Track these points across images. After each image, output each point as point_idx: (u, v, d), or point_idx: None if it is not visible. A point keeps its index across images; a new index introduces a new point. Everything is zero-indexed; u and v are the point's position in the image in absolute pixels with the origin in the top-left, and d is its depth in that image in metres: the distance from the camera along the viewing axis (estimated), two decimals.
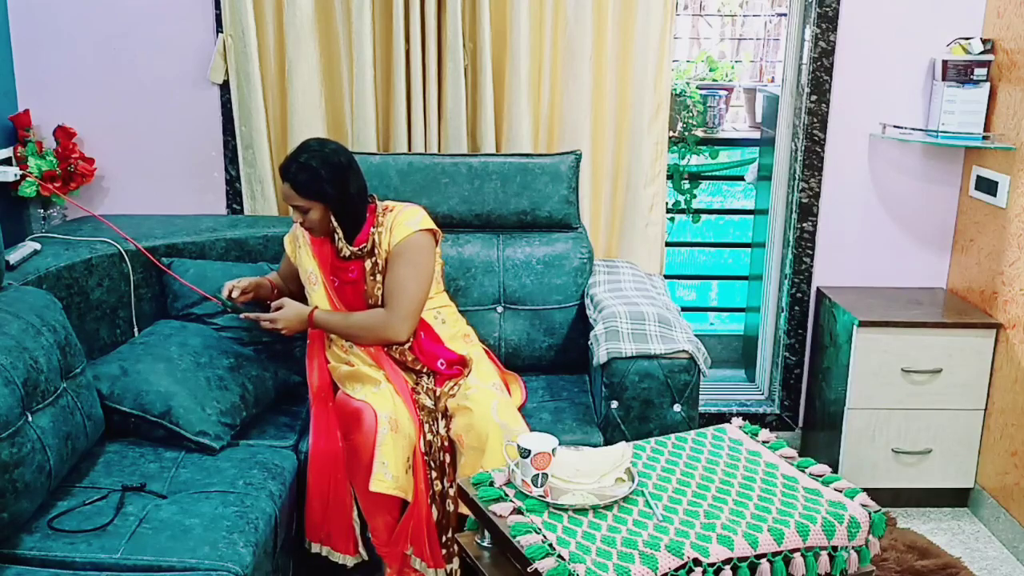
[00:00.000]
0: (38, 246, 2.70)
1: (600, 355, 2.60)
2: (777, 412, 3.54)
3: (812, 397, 3.47)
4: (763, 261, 3.57)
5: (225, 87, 3.12)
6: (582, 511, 1.94)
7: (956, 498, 3.25)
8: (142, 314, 2.84)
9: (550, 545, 1.81)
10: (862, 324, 3.05)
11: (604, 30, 3.10)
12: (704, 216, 4.16)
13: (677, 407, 2.58)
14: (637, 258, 3.29)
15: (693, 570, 1.80)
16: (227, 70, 3.08)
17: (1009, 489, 3.01)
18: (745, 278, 3.99)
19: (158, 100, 3.15)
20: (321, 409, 2.54)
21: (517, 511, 1.93)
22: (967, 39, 3.12)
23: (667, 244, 3.43)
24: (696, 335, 2.74)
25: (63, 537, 2.02)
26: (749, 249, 3.96)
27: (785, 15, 3.44)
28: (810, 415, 3.50)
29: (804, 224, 3.35)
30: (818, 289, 3.39)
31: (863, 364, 3.08)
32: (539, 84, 3.13)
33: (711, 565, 1.81)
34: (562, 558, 1.78)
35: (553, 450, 1.98)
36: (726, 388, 3.70)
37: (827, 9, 3.16)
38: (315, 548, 2.50)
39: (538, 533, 1.85)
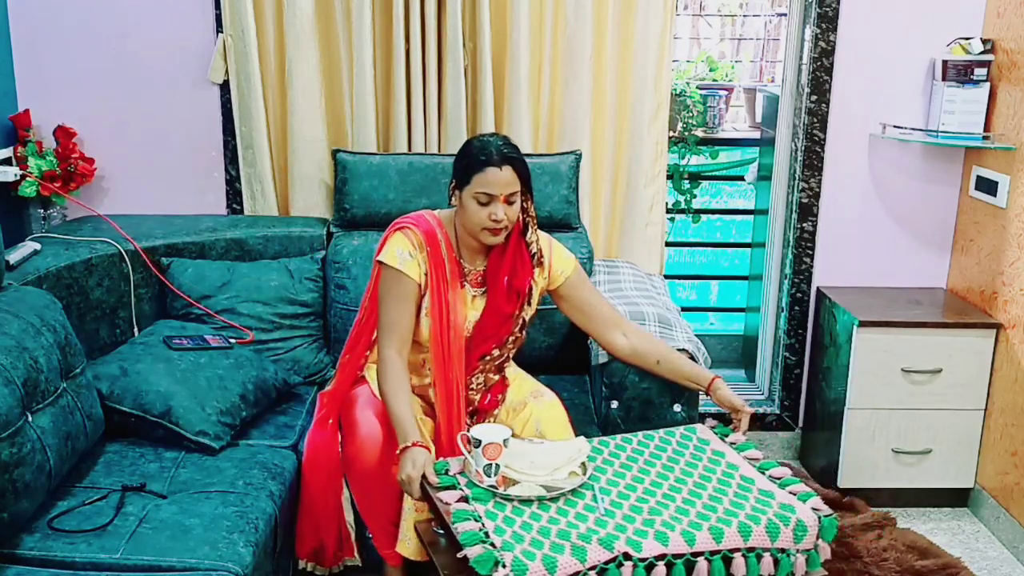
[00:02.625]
0: (38, 246, 2.70)
1: (600, 355, 2.59)
2: (777, 412, 3.54)
3: (812, 397, 3.47)
4: (763, 261, 3.57)
5: (225, 87, 3.12)
6: (527, 502, 1.95)
7: (956, 498, 3.25)
8: (142, 314, 2.84)
9: (486, 533, 1.83)
10: (862, 324, 3.05)
11: (604, 30, 3.10)
12: (704, 216, 4.15)
13: (677, 407, 2.58)
14: (637, 258, 3.29)
15: (623, 564, 1.80)
16: (227, 70, 3.08)
17: (1009, 489, 3.01)
18: (745, 278, 3.98)
19: (158, 100, 3.15)
20: (329, 409, 2.53)
21: (463, 499, 1.96)
22: (967, 39, 3.12)
23: (667, 244, 3.43)
24: (696, 335, 2.75)
25: (63, 537, 2.02)
26: (749, 249, 3.96)
27: (785, 15, 3.44)
28: (810, 415, 3.50)
29: (804, 224, 3.35)
30: (818, 289, 3.39)
31: (863, 364, 3.08)
32: (539, 84, 3.13)
33: (642, 560, 1.81)
34: (494, 546, 1.79)
35: (505, 441, 2.00)
36: None
37: (827, 9, 3.16)
38: (302, 564, 2.48)
39: (477, 521, 1.87)
